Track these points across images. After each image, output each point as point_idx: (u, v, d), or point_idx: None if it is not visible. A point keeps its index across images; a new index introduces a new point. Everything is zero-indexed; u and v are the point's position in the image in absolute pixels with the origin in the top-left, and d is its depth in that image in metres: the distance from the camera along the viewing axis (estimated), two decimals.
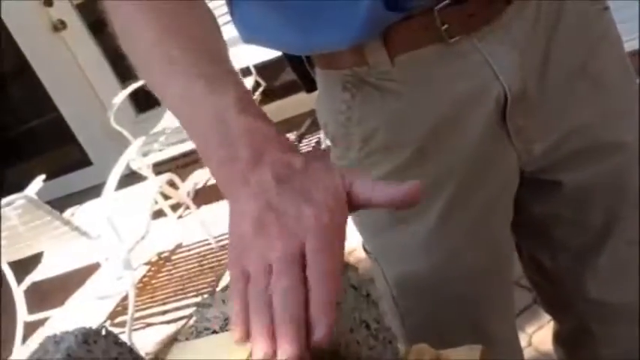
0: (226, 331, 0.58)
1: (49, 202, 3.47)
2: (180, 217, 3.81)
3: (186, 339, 0.60)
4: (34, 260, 3.33)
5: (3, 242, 2.89)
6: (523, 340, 1.94)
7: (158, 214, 3.64)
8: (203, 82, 0.62)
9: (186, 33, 0.68)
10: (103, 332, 0.69)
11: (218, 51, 0.68)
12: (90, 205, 3.21)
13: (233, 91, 0.61)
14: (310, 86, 0.98)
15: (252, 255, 0.52)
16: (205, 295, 3.12)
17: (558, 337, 1.17)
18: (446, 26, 0.82)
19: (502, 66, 0.85)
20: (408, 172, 0.89)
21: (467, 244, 0.94)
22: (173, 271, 3.41)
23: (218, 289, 3.09)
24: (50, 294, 3.42)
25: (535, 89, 0.88)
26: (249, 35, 0.90)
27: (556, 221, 0.99)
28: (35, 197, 2.61)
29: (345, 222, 0.54)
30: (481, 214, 0.93)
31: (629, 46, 2.38)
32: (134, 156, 3.26)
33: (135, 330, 2.98)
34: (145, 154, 3.54)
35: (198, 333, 0.60)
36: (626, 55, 0.98)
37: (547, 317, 1.82)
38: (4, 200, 2.52)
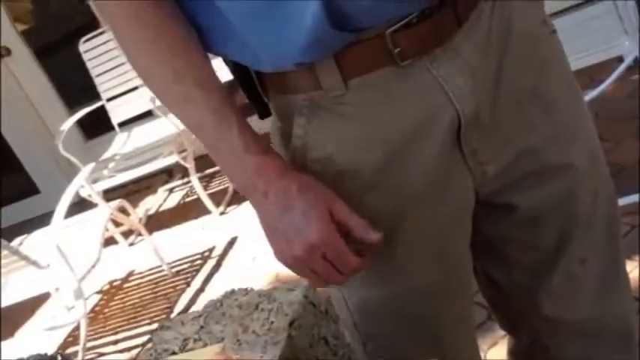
0: (186, 351, 0.58)
1: None
2: (132, 244, 3.75)
3: None
4: None
5: None
6: None
7: (109, 241, 3.59)
8: (213, 120, 0.86)
9: (194, 74, 0.87)
10: (59, 358, 0.69)
11: (219, 86, 0.88)
12: (39, 234, 3.14)
13: (236, 127, 0.85)
14: (263, 112, 0.98)
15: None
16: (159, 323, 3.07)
17: (513, 353, 1.19)
18: (398, 49, 0.83)
19: (455, 89, 0.86)
20: (365, 197, 0.89)
21: (427, 265, 0.94)
22: (125, 299, 3.36)
23: (172, 315, 3.06)
24: None
25: (488, 111, 0.89)
26: (207, 44, 0.90)
27: (510, 242, 1.01)
28: None
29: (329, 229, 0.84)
30: (440, 235, 0.94)
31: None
32: (83, 183, 3.21)
33: None
34: (94, 181, 3.49)
35: (157, 354, 0.60)
36: (573, 77, 1.01)
37: (501, 333, 1.84)
38: None
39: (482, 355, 1.95)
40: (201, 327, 0.59)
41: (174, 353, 0.58)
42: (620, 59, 2.66)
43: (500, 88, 0.90)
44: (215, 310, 0.61)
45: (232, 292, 0.62)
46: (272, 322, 0.54)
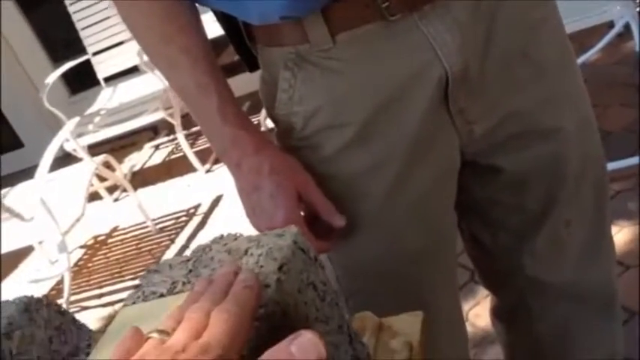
0: (174, 294, 0.58)
1: None
2: (116, 199, 3.74)
3: (133, 303, 0.60)
4: None
5: None
6: None
7: (94, 196, 3.58)
8: (195, 87, 0.87)
9: (182, 39, 0.88)
10: (45, 301, 0.68)
11: (206, 54, 0.88)
12: (23, 187, 3.12)
13: (216, 99, 0.88)
14: (252, 65, 0.98)
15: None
16: None
17: (496, 312, 1.20)
18: (387, 4, 0.83)
19: (443, 46, 0.85)
20: (351, 152, 0.89)
21: (410, 224, 0.94)
22: (109, 255, 3.36)
23: None
24: None
25: (477, 71, 0.89)
26: None
27: (496, 203, 1.02)
28: None
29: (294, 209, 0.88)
30: (424, 193, 0.94)
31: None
32: (68, 137, 3.19)
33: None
34: (79, 136, 3.47)
35: (145, 297, 0.59)
36: (567, 40, 1.00)
37: (484, 294, 1.86)
38: None
39: (464, 314, 1.97)
40: (190, 270, 0.59)
41: (162, 296, 0.58)
42: (611, 25, 2.65)
43: (490, 48, 0.89)
44: (204, 255, 0.60)
45: (221, 237, 0.62)
46: (261, 267, 0.54)
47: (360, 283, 0.98)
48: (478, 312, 2.00)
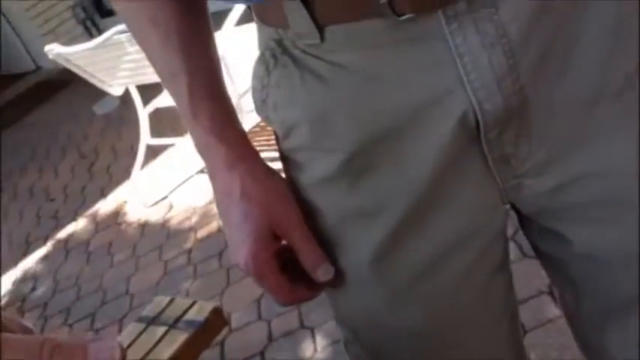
0: None
1: None
2: None
3: None
4: (159, 87, 3.32)
5: (129, 66, 2.87)
6: None
7: None
8: (165, 71, 0.69)
9: (149, 9, 0.68)
10: None
11: (182, 31, 0.68)
12: None
13: (187, 92, 0.68)
14: None
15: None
16: None
17: None
18: None
19: (473, 67, 0.56)
20: (335, 187, 0.64)
21: (409, 299, 0.68)
22: None
23: None
24: (173, 122, 3.42)
25: (542, 107, 0.58)
26: None
27: (573, 267, 0.70)
28: None
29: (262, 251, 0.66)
30: (432, 262, 0.66)
31: None
32: None
33: None
34: None
35: None
36: None
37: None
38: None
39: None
40: None
41: None
42: None
43: (566, 72, 0.57)
44: None
45: None
46: None
47: (353, 336, 0.76)
48: None
